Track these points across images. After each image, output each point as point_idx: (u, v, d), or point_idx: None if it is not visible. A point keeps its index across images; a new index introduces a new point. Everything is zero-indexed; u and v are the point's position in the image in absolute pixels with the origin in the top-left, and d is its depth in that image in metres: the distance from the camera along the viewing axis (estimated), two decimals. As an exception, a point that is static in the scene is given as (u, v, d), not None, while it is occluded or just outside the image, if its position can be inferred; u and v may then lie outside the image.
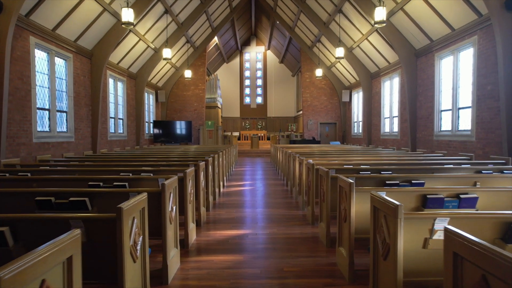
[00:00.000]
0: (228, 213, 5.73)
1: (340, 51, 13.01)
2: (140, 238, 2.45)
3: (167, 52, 13.02)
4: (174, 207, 3.39)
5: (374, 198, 2.52)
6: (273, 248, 3.97)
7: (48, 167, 5.59)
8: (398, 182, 3.91)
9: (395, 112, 13.37)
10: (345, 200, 3.20)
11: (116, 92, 13.55)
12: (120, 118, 14.05)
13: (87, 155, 8.67)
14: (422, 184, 3.90)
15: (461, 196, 3.10)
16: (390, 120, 13.84)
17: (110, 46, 11.23)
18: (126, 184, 3.93)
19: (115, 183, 3.91)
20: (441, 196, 3.07)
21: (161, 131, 18.34)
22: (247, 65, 29.64)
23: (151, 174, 4.70)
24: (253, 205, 6.37)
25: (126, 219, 2.20)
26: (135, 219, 2.38)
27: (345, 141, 19.73)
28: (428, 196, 3.06)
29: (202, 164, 4.96)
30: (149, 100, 17.97)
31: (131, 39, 12.76)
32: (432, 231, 2.27)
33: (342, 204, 3.30)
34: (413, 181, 3.90)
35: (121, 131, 14.18)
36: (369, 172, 4.84)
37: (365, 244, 3.77)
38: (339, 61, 17.66)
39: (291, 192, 7.67)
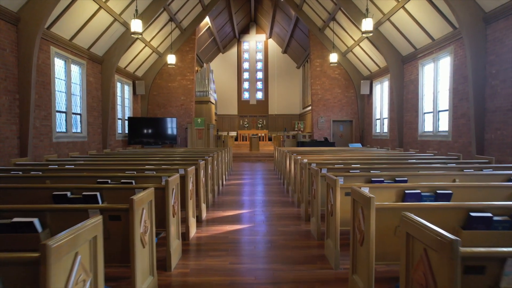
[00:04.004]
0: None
1: (368, 23, 9.53)
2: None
3: (136, 25, 9.54)
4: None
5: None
6: None
7: None
8: None
9: (444, 105, 9.92)
10: None
11: (69, 78, 10.12)
12: (76, 113, 10.61)
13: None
14: None
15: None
16: (435, 116, 10.39)
17: (46, 9, 7.81)
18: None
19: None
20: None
21: (138, 131, 14.87)
22: (245, 55, 26.14)
23: None
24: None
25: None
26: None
27: (364, 142, 16.28)
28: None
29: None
30: (124, 92, 14.52)
31: (87, 6, 9.35)
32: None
33: None
34: None
35: (78, 130, 10.74)
36: None
37: None
38: (358, 44, 14.23)
39: (318, 237, 4.24)
